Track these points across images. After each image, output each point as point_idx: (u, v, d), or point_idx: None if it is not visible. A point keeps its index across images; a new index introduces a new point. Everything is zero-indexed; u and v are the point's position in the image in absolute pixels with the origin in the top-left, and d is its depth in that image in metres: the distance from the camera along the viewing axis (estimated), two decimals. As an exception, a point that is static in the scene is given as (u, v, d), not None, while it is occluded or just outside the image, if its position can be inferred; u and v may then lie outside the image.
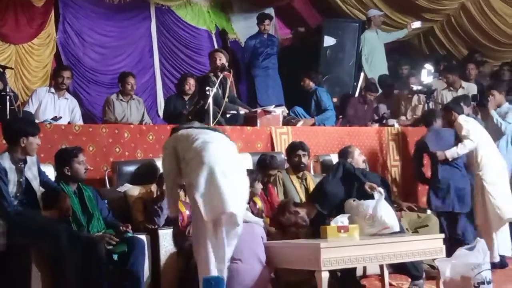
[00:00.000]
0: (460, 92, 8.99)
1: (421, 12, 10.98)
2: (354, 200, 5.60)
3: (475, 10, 11.00)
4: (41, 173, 5.16)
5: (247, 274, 5.00)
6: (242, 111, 7.84)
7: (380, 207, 5.44)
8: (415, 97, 9.17)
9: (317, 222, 5.58)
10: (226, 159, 4.70)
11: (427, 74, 8.11)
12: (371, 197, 5.50)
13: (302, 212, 5.64)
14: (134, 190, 5.89)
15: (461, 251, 5.34)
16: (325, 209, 5.63)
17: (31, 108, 7.26)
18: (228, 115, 7.58)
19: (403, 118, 9.19)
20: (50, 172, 5.46)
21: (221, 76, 7.39)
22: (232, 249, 4.74)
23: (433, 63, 9.64)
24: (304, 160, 6.53)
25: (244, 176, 4.82)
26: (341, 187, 5.68)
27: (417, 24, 10.71)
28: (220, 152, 4.70)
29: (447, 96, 9.07)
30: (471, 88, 9.14)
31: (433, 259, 5.50)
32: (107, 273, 4.89)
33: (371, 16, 10.44)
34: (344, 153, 6.78)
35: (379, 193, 5.48)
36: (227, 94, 7.45)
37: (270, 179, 6.20)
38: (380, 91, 9.76)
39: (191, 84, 8.04)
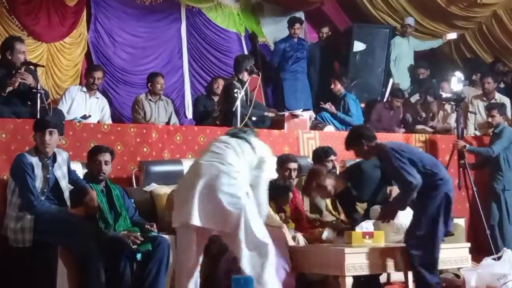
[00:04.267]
0: None
1: (452, 19, 10.86)
2: (379, 207, 5.59)
3: (507, 18, 10.87)
4: (70, 172, 5.21)
5: None
6: (268, 114, 7.87)
7: (405, 215, 5.41)
8: (448, 105, 9.08)
9: (345, 200, 5.72)
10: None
11: (457, 82, 7.99)
12: None
13: (330, 186, 5.53)
14: (161, 190, 5.92)
15: (487, 261, 5.30)
16: (358, 191, 5.59)
17: (64, 106, 7.33)
18: (254, 118, 7.59)
19: (433, 121, 9.11)
20: (79, 170, 5.51)
21: (247, 80, 7.40)
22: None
23: (467, 72, 9.56)
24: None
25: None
26: (377, 172, 5.59)
27: (452, 35, 10.64)
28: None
29: (479, 105, 8.99)
30: (504, 101, 9.07)
31: (459, 268, 5.46)
32: (131, 271, 4.91)
33: (407, 24, 10.36)
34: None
35: None
36: (252, 104, 7.46)
37: (286, 173, 6.17)
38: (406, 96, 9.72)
39: (219, 84, 8.18)
